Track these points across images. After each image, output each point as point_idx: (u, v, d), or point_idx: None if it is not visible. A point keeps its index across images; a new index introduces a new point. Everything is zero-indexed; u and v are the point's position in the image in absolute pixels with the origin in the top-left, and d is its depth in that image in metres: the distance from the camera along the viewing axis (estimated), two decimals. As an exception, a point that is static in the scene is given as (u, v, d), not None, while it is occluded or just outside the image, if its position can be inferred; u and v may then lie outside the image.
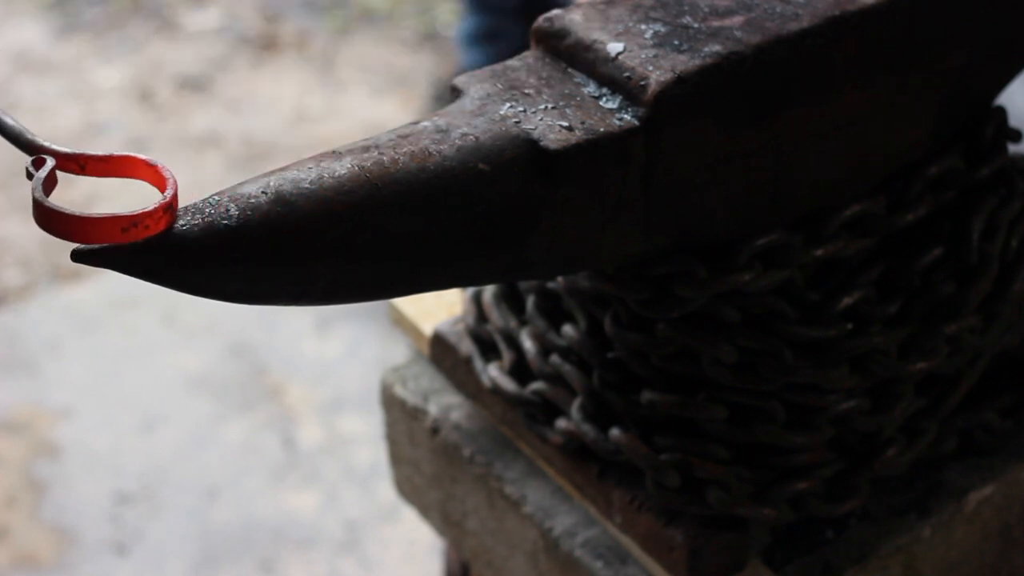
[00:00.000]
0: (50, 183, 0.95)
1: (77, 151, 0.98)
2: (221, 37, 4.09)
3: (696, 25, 1.16)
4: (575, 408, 1.28)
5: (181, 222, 0.97)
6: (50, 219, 0.92)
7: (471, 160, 1.06)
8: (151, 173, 0.98)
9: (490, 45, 3.31)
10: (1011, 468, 1.34)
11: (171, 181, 0.96)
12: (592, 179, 1.09)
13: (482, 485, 1.39)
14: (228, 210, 0.98)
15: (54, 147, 0.97)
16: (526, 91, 1.13)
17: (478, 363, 1.37)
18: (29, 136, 0.97)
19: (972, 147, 1.30)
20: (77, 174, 0.98)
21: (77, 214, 0.92)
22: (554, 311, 1.32)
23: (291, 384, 2.89)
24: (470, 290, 1.40)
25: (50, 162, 0.96)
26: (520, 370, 1.34)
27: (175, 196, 0.96)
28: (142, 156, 0.97)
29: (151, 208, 0.94)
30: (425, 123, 1.09)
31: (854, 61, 1.18)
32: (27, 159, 0.96)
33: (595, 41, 1.15)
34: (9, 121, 0.97)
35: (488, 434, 1.41)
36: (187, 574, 2.50)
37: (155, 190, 0.97)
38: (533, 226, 1.09)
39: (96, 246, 0.94)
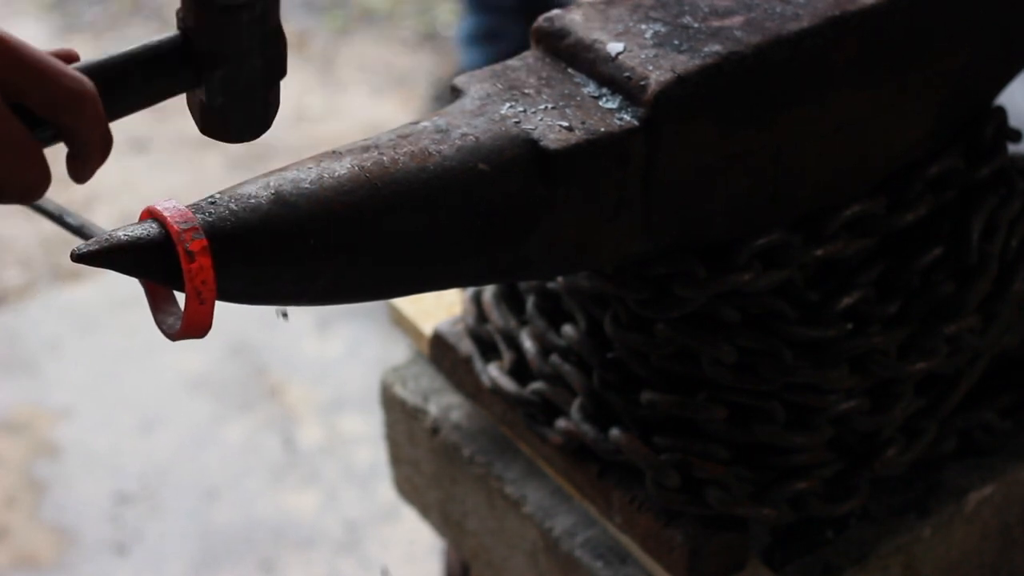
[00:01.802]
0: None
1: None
2: (221, 37, 4.09)
3: (696, 25, 1.16)
4: (575, 408, 1.28)
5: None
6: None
7: (471, 160, 1.06)
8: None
9: (490, 45, 3.31)
10: (1011, 468, 1.34)
11: (174, 229, 0.95)
12: (592, 179, 1.09)
13: (482, 485, 1.39)
14: (228, 210, 0.98)
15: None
16: (526, 91, 1.13)
17: (478, 363, 1.37)
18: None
19: (972, 147, 1.30)
20: None
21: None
22: (554, 311, 1.32)
23: (291, 384, 2.89)
24: (470, 290, 1.40)
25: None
26: (520, 370, 1.34)
27: (180, 234, 0.94)
28: (156, 207, 0.97)
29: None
30: (425, 123, 1.09)
31: (854, 61, 1.18)
32: None
33: (595, 41, 1.15)
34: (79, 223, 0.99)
35: (488, 434, 1.41)
36: (187, 574, 2.50)
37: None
38: (533, 226, 1.09)
39: (96, 247, 0.94)
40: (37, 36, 4.11)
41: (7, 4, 4.27)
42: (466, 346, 1.40)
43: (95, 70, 0.89)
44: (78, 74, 0.87)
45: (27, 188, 0.88)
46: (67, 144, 0.89)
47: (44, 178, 0.88)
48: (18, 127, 0.85)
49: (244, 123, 0.94)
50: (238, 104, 0.93)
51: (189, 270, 0.93)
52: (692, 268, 1.17)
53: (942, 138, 1.28)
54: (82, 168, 0.91)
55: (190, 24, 0.90)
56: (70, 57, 0.90)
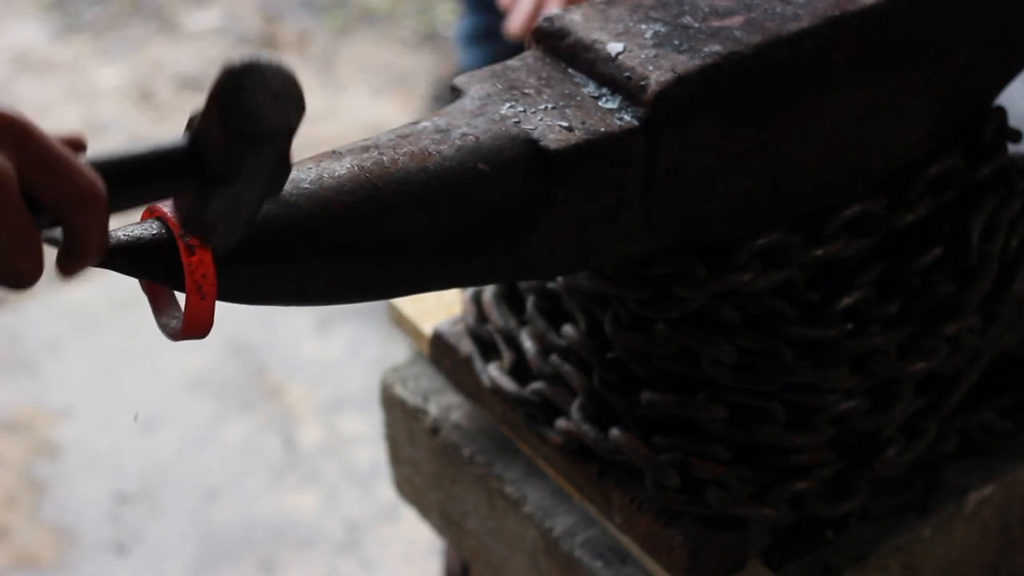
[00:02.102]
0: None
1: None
2: (221, 37, 4.09)
3: (696, 25, 1.16)
4: (575, 408, 1.28)
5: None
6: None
7: (471, 160, 1.06)
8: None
9: (489, 44, 3.31)
10: (1011, 468, 1.34)
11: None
12: (592, 179, 1.09)
13: (482, 485, 1.39)
14: (228, 210, 0.98)
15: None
16: (526, 91, 1.13)
17: (478, 363, 1.37)
18: None
19: (972, 147, 1.30)
20: None
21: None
22: (554, 311, 1.32)
23: (291, 384, 2.89)
24: (470, 290, 1.40)
25: None
26: (520, 370, 1.34)
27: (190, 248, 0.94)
28: (157, 204, 0.97)
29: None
30: (425, 123, 1.09)
31: (854, 61, 1.18)
32: None
33: (595, 41, 1.15)
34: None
35: (488, 434, 1.41)
36: (187, 574, 2.50)
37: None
38: (533, 226, 1.09)
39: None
40: (37, 36, 4.11)
41: (7, 4, 4.26)
42: (466, 346, 1.40)
43: (104, 166, 0.88)
44: (92, 174, 0.86)
45: (22, 279, 0.87)
46: (65, 238, 0.88)
47: (38, 271, 0.87)
48: (28, 220, 0.84)
49: (228, 235, 0.93)
50: (230, 218, 0.92)
51: (189, 264, 0.93)
52: (692, 268, 1.17)
53: (942, 138, 1.28)
54: (73, 266, 0.89)
55: (208, 142, 0.89)
56: (78, 144, 0.89)
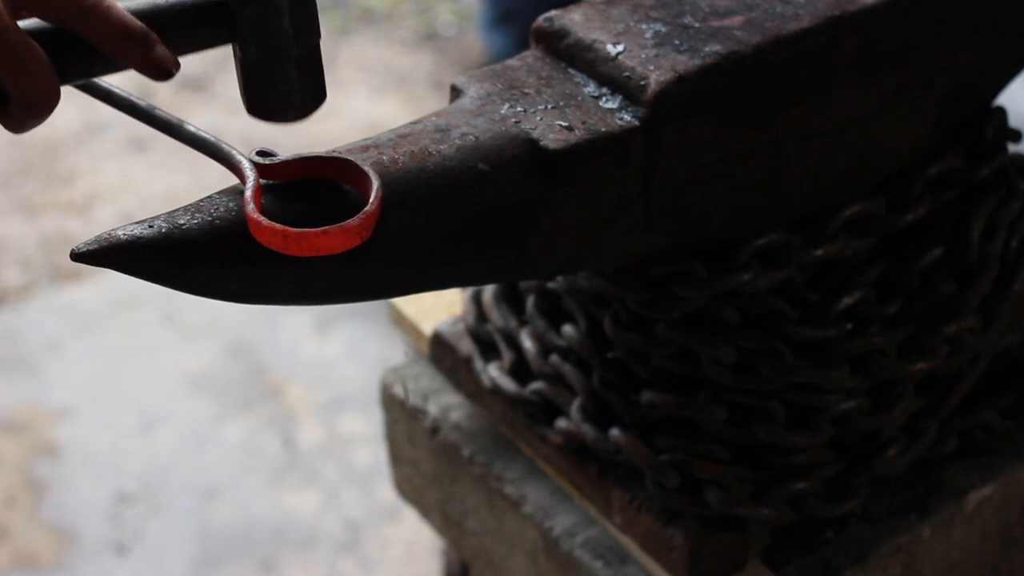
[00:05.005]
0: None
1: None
2: (221, 37, 4.09)
3: (696, 25, 1.16)
4: (575, 408, 1.28)
5: (181, 221, 0.97)
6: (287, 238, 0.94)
7: (471, 160, 1.06)
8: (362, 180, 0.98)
9: (510, 25, 3.33)
10: (1011, 468, 1.34)
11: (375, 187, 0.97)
12: (592, 179, 1.09)
13: (482, 485, 1.39)
14: (228, 210, 0.98)
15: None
16: (526, 91, 1.13)
17: (478, 363, 1.37)
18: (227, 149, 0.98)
19: (972, 147, 1.30)
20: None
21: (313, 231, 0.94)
22: (554, 311, 1.32)
23: (291, 384, 2.89)
24: (470, 290, 1.40)
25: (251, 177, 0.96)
26: (520, 370, 1.34)
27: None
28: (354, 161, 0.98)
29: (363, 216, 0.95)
30: (425, 123, 1.09)
31: (854, 61, 1.18)
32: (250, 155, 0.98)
33: (595, 41, 1.15)
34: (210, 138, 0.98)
35: (488, 434, 1.41)
36: (187, 574, 2.50)
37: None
38: (533, 226, 1.09)
39: (96, 246, 0.94)
40: (37, 36, 4.10)
41: (7, 4, 4.26)
42: (466, 346, 1.40)
43: (139, 15, 0.91)
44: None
45: (37, 101, 0.87)
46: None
47: (53, 90, 0.87)
48: (20, 35, 0.85)
49: (287, 91, 0.93)
50: (276, 64, 0.91)
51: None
52: (692, 268, 1.17)
53: (942, 138, 1.28)
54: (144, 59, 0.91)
55: None
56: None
